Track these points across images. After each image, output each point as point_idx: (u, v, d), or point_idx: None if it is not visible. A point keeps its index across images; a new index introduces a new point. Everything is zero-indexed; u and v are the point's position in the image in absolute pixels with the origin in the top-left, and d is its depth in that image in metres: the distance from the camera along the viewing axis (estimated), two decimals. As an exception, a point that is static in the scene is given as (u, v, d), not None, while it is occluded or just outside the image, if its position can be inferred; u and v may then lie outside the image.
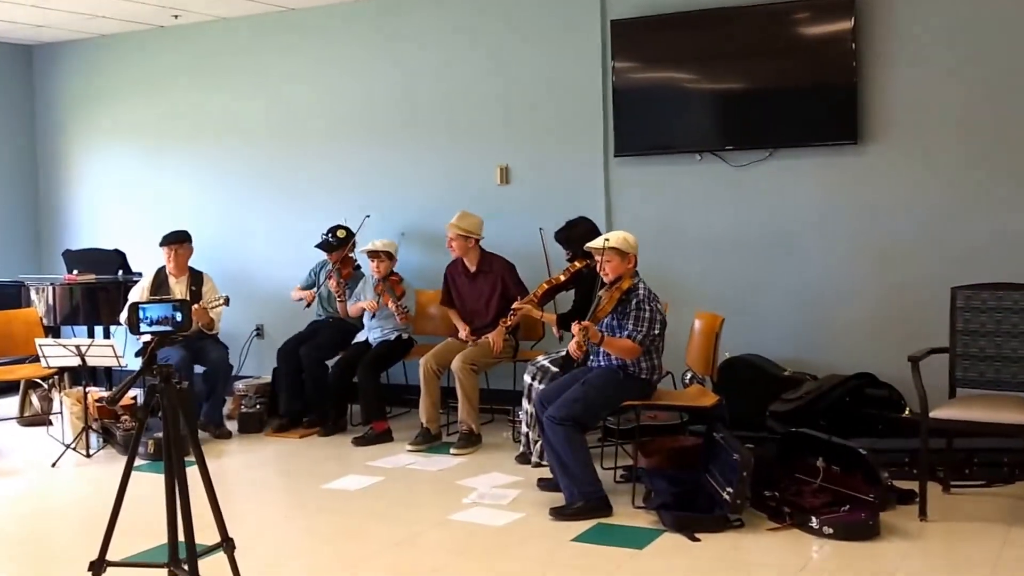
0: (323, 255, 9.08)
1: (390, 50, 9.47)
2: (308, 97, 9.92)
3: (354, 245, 8.99)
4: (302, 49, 9.89)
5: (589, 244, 6.64)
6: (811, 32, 7.79)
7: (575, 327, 6.25)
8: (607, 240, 6.45)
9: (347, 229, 8.98)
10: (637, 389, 6.50)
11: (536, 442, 7.21)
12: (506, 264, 8.34)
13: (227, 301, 8.32)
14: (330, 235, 8.99)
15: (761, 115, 7.95)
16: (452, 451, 7.85)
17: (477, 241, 8.34)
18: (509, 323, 7.70)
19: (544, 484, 6.78)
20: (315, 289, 9.11)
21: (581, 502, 6.20)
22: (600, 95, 8.52)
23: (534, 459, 7.29)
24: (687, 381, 7.46)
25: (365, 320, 8.77)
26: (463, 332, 8.32)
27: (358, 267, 9.13)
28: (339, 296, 8.86)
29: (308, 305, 9.04)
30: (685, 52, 8.23)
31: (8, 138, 11.31)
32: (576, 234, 7.47)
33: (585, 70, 8.58)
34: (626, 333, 6.36)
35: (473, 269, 8.38)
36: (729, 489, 5.87)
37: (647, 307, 6.36)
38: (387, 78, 9.49)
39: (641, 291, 6.41)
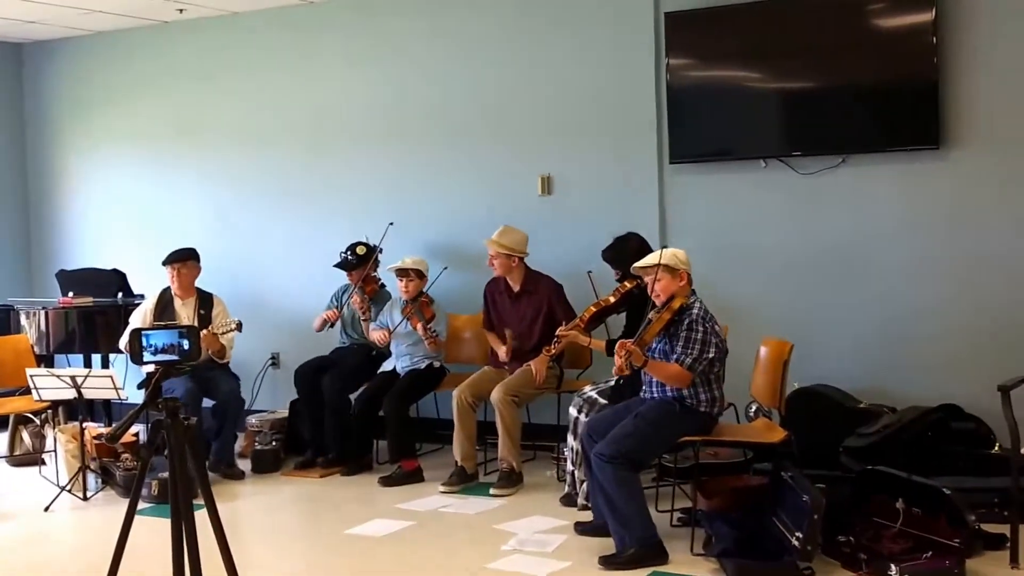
0: (344, 277, 9.17)
1: (420, 48, 9.59)
2: (329, 100, 10.05)
3: (377, 262, 9.09)
4: (322, 47, 10.04)
5: (636, 265, 6.71)
6: (888, 25, 7.88)
7: (617, 348, 6.33)
8: (653, 259, 6.54)
9: (367, 245, 9.08)
10: (696, 423, 6.56)
11: (583, 482, 7.26)
12: (553, 284, 8.40)
13: (239, 327, 8.44)
14: (349, 253, 9.09)
15: (832, 117, 8.02)
16: (492, 491, 7.92)
17: (521, 259, 8.43)
18: (553, 351, 7.73)
19: (584, 528, 6.86)
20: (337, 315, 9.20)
21: (634, 549, 6.24)
22: (653, 96, 8.59)
23: (580, 501, 7.36)
24: (752, 414, 7.54)
25: (392, 347, 8.86)
26: (502, 352, 8.38)
27: (383, 285, 9.22)
28: (363, 314, 8.96)
29: (332, 324, 9.11)
30: (748, 47, 8.32)
31: (-5, 146, 11.50)
32: (625, 252, 7.55)
33: (636, 68, 8.66)
34: (674, 357, 6.42)
35: (517, 289, 8.45)
36: (798, 534, 5.92)
37: (700, 328, 6.41)
38: (417, 79, 9.62)
39: (695, 311, 6.47)
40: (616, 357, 6.37)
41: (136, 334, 4.80)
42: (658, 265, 6.49)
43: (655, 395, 6.62)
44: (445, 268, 8.87)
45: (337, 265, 9.14)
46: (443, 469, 8.35)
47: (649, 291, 6.60)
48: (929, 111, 7.64)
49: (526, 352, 8.30)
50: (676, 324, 6.46)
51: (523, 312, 8.41)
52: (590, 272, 7.98)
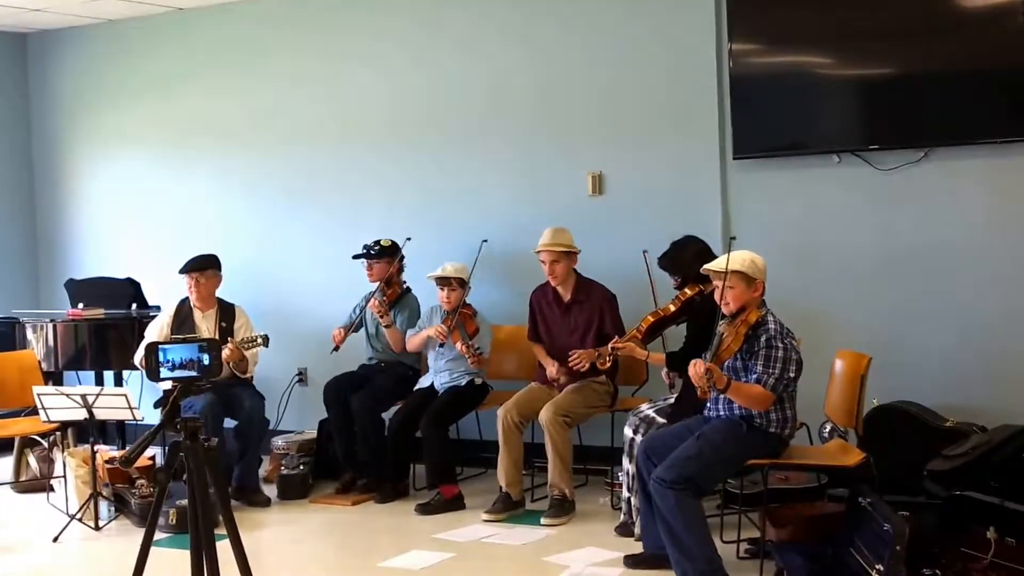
0: (369, 290, 9.10)
1: (457, 36, 9.62)
2: (359, 94, 10.09)
3: (402, 265, 9.10)
4: (350, 37, 10.09)
5: (708, 265, 6.68)
6: (975, 5, 7.85)
7: (692, 369, 6.28)
8: (730, 261, 6.49)
9: (394, 242, 9.07)
10: (764, 445, 6.55)
11: (640, 510, 7.20)
12: (606, 295, 8.38)
13: (266, 341, 8.51)
14: (374, 246, 9.07)
15: (914, 107, 8.00)
16: (543, 521, 7.90)
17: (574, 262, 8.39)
18: (607, 363, 7.71)
19: (635, 560, 6.85)
20: (351, 326, 9.19)
21: (697, 582, 6.24)
22: (714, 84, 8.59)
23: (638, 530, 7.30)
24: (826, 435, 7.51)
25: (430, 361, 8.88)
26: (552, 368, 8.32)
27: (408, 290, 9.21)
28: (382, 317, 8.86)
29: (336, 349, 9.02)
30: (820, 30, 8.31)
31: (-2, 144, 11.62)
32: (684, 257, 7.52)
33: (696, 53, 8.65)
34: (755, 377, 6.40)
35: (567, 299, 8.42)
36: (879, 567, 5.91)
37: (779, 344, 6.39)
38: (452, 69, 9.65)
39: (772, 326, 6.46)
40: (694, 377, 6.29)
41: (152, 348, 4.81)
42: (734, 272, 6.44)
43: (720, 414, 6.62)
44: (485, 241, 8.77)
45: (357, 256, 9.13)
46: (486, 495, 8.38)
47: (717, 298, 6.57)
48: (1021, 100, 7.61)
49: (577, 370, 8.19)
50: (751, 340, 6.45)
51: (574, 324, 8.38)
52: (645, 251, 7.90)
